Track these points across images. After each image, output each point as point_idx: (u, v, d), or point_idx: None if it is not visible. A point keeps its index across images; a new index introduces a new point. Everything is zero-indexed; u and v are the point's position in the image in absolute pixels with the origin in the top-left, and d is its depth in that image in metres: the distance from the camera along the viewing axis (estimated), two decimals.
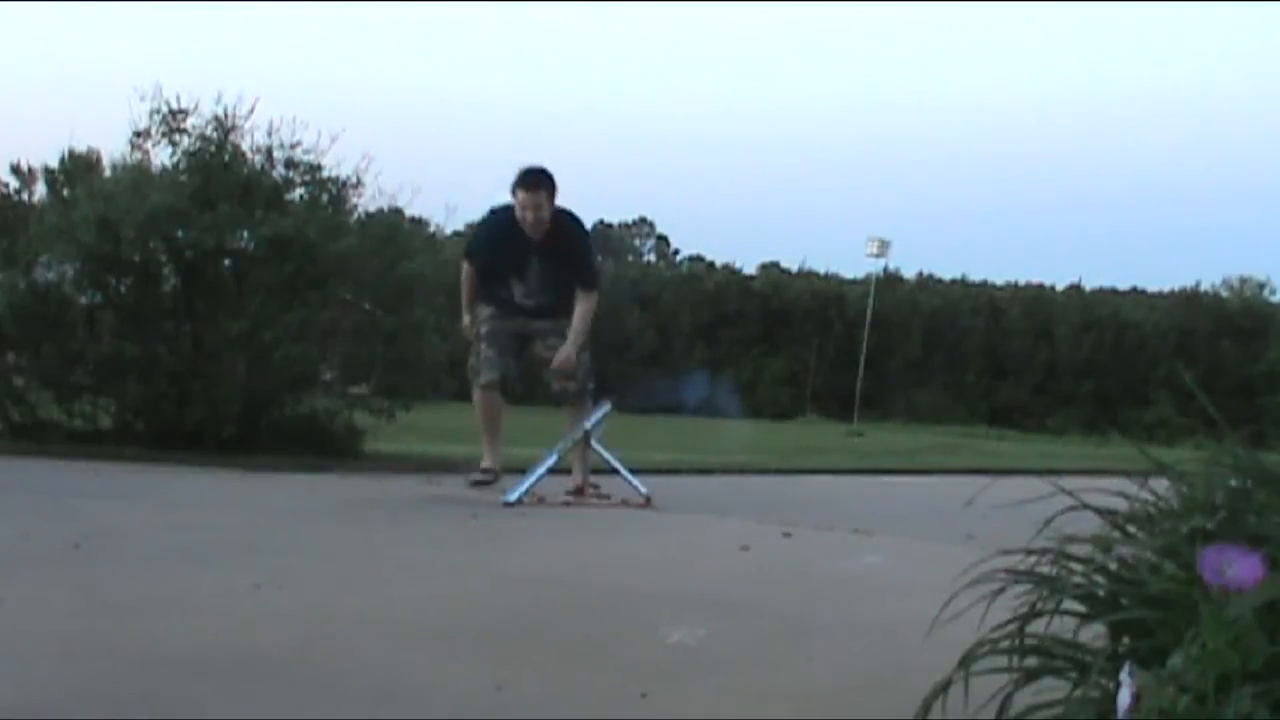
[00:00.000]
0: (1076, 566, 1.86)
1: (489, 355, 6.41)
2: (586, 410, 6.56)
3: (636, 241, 65.56)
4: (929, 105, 79.47)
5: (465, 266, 6.63)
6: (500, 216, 6.44)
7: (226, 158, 8.85)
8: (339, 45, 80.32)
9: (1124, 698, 1.57)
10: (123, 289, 8.73)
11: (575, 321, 6.40)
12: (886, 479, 11.62)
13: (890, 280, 37.14)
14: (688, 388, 26.11)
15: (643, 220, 65.28)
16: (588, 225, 7.11)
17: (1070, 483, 2.04)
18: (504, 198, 6.43)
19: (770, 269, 41.06)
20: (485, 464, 6.46)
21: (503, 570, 4.11)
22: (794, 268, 41.19)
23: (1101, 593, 1.83)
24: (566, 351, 6.35)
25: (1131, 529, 1.92)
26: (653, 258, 61.74)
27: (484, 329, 6.45)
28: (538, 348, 6.50)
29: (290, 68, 66.17)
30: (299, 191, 9.09)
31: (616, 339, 34.67)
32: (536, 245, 6.31)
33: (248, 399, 8.43)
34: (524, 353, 6.56)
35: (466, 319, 6.62)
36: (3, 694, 2.24)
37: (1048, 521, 1.97)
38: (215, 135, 8.83)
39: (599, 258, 6.44)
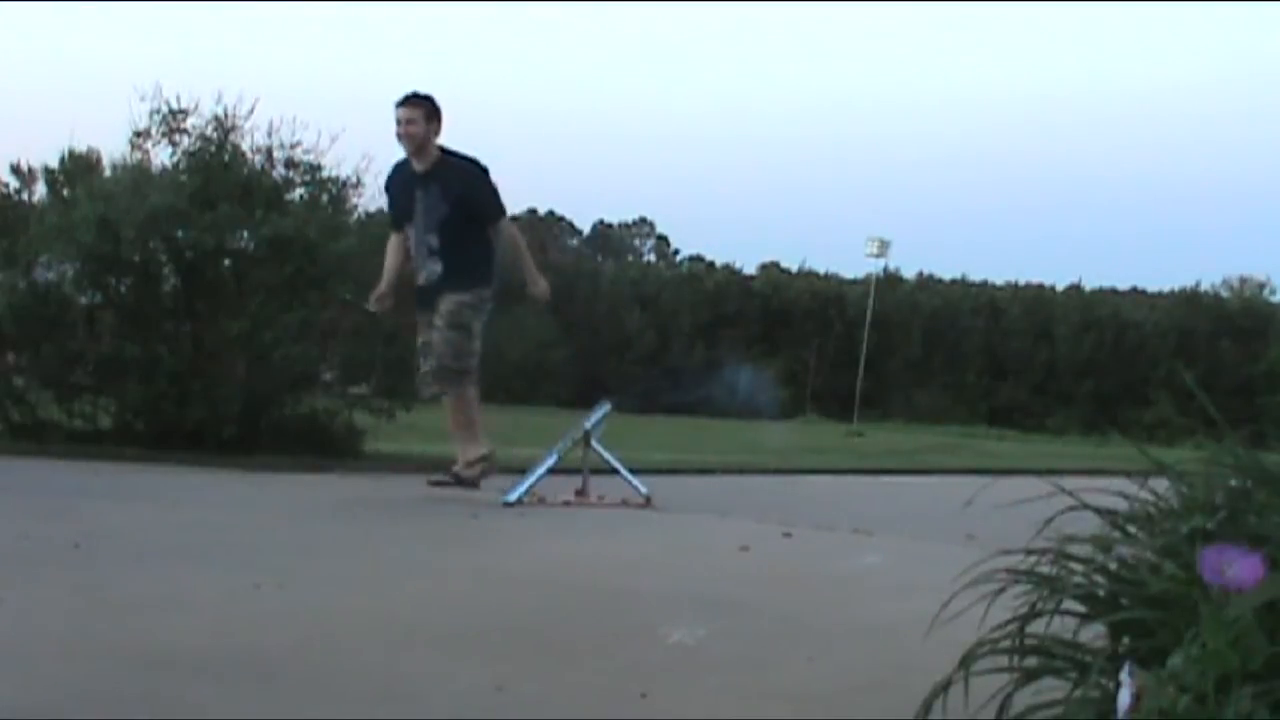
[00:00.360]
0: (1076, 566, 1.86)
1: (421, 369, 6.41)
2: (465, 399, 6.27)
3: (636, 241, 65.45)
4: (929, 105, 79.36)
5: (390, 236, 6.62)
6: (396, 163, 6.48)
7: (226, 158, 8.84)
8: (339, 45, 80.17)
9: (1124, 698, 1.57)
10: (123, 289, 8.72)
11: (513, 256, 6.36)
12: (886, 479, 11.62)
13: (890, 280, 37.14)
14: (731, 383, 26.04)
15: (643, 220, 65.16)
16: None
17: (1070, 483, 2.05)
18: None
19: (770, 269, 41.02)
20: (478, 453, 6.31)
21: (503, 570, 4.11)
22: (794, 268, 41.17)
23: (1101, 593, 1.83)
24: (541, 287, 6.38)
25: (1131, 529, 1.92)
26: (653, 258, 61.59)
27: (420, 340, 6.40)
28: (431, 336, 6.29)
29: (290, 68, 65.95)
30: (299, 191, 9.09)
31: (616, 339, 34.70)
32: (421, 176, 6.28)
33: (248, 399, 8.43)
34: None
35: (379, 288, 6.48)
36: (3, 694, 2.24)
37: (1048, 521, 1.97)
38: (215, 135, 8.82)
39: (500, 196, 6.41)
